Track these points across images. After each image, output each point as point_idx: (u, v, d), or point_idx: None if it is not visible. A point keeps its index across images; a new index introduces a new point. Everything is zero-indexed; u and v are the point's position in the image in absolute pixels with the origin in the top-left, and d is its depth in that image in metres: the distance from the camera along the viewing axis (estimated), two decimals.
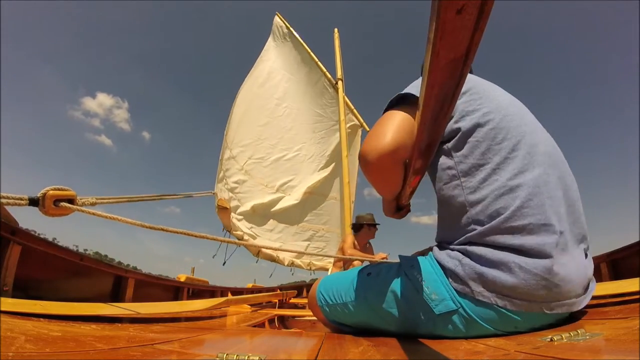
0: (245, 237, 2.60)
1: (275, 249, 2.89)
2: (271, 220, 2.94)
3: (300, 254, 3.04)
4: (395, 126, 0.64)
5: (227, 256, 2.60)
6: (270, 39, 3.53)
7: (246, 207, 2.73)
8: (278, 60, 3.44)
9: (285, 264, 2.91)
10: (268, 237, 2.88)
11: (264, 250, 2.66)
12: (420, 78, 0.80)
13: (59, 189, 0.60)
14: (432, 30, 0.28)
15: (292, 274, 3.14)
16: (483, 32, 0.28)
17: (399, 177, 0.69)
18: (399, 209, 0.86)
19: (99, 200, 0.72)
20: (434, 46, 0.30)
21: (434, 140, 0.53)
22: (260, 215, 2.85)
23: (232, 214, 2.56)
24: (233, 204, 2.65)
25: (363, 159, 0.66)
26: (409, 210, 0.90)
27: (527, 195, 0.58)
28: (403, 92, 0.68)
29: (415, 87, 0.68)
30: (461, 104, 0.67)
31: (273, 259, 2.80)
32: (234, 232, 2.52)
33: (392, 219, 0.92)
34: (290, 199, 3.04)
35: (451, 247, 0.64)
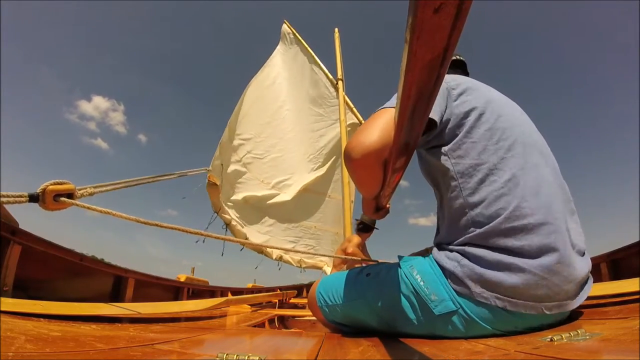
0: (233, 222, 2.60)
1: (275, 248, 2.88)
2: (264, 212, 2.95)
3: (289, 250, 3.04)
4: (383, 125, 0.64)
5: (223, 247, 2.54)
6: (280, 44, 3.65)
7: (238, 196, 2.75)
8: (285, 64, 3.55)
9: (273, 257, 2.88)
10: (257, 229, 2.88)
11: (249, 240, 2.67)
12: None
13: (58, 183, 0.60)
14: (409, 29, 0.28)
15: (279, 269, 3.10)
16: (461, 31, 0.28)
17: (380, 176, 0.69)
18: (378, 209, 0.86)
19: (97, 189, 0.72)
20: (411, 46, 0.29)
21: (412, 140, 0.53)
22: (251, 206, 2.87)
23: (222, 201, 2.57)
24: (226, 189, 2.66)
25: (347, 154, 0.66)
26: (387, 212, 0.91)
27: (526, 195, 0.58)
28: (387, 105, 0.68)
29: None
30: (457, 105, 0.67)
31: (260, 252, 2.78)
32: (222, 215, 2.52)
33: (391, 218, 0.92)
34: (284, 196, 3.05)
35: (450, 248, 0.64)
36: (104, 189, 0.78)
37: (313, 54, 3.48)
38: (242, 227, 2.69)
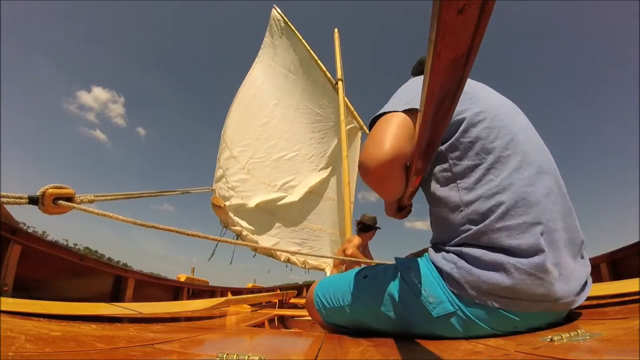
0: (244, 232, 2.60)
1: (272, 249, 2.89)
2: (272, 216, 2.98)
3: (296, 252, 3.06)
4: (394, 132, 0.63)
5: (232, 255, 2.68)
6: (267, 35, 3.45)
7: (251, 204, 2.76)
8: (276, 57, 3.39)
9: (282, 259, 2.93)
10: (267, 232, 2.91)
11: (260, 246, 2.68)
12: (405, 85, 0.80)
13: (57, 187, 0.60)
14: (434, 30, 0.28)
15: (291, 270, 3.15)
16: (484, 32, 0.28)
17: (400, 182, 0.68)
18: (400, 209, 0.86)
19: (97, 197, 0.73)
20: (435, 46, 0.30)
21: (435, 141, 0.53)
22: (264, 211, 2.88)
23: (233, 213, 2.57)
24: (236, 201, 2.67)
25: (362, 168, 0.65)
26: (410, 211, 0.90)
27: (521, 194, 0.58)
28: (389, 109, 0.68)
29: (397, 100, 0.68)
30: None
31: (271, 255, 2.84)
32: (231, 228, 2.51)
33: (388, 221, 0.92)
34: (290, 197, 3.06)
35: (446, 248, 0.64)
36: (105, 198, 0.79)
37: (307, 45, 3.39)
38: (254, 234, 2.71)
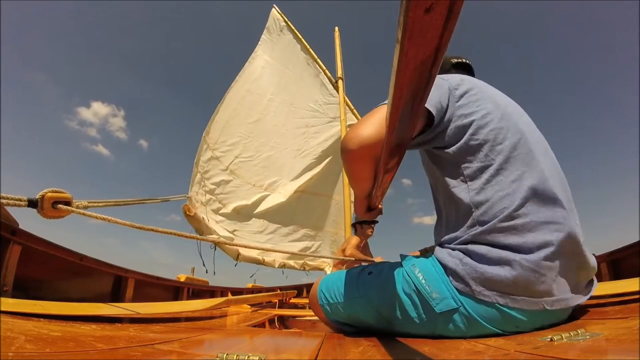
0: (221, 239, 2.40)
1: (263, 249, 2.77)
2: (261, 220, 2.82)
3: (293, 255, 2.87)
4: (381, 120, 0.64)
5: (202, 255, 2.34)
6: (265, 32, 3.39)
7: (228, 208, 2.62)
8: (274, 54, 3.32)
9: (276, 266, 2.74)
10: (257, 238, 2.76)
11: (243, 253, 2.45)
12: None
13: (56, 191, 0.60)
14: (400, 29, 0.28)
15: (286, 277, 2.98)
16: (452, 32, 0.28)
17: (370, 172, 0.70)
18: (370, 209, 0.87)
19: (91, 203, 0.73)
20: (402, 46, 0.29)
21: (404, 141, 0.53)
22: (244, 216, 2.73)
23: (214, 216, 2.47)
24: (214, 206, 2.55)
25: (344, 146, 0.68)
26: (380, 213, 0.92)
27: (529, 194, 0.59)
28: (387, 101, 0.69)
29: None
30: (459, 106, 0.68)
31: (258, 262, 2.61)
32: (207, 237, 2.30)
33: (396, 218, 0.93)
34: (278, 197, 2.91)
35: (452, 246, 0.64)
36: (97, 204, 0.79)
37: (306, 43, 3.34)
38: (235, 239, 2.55)
